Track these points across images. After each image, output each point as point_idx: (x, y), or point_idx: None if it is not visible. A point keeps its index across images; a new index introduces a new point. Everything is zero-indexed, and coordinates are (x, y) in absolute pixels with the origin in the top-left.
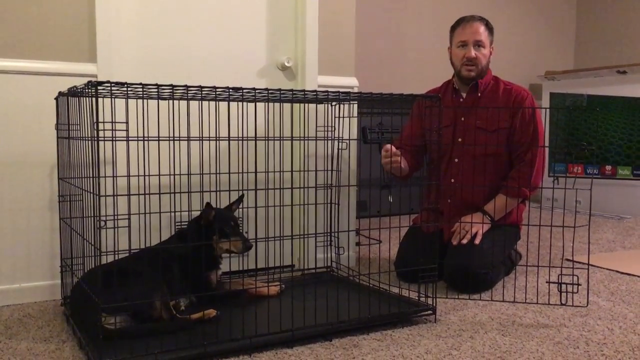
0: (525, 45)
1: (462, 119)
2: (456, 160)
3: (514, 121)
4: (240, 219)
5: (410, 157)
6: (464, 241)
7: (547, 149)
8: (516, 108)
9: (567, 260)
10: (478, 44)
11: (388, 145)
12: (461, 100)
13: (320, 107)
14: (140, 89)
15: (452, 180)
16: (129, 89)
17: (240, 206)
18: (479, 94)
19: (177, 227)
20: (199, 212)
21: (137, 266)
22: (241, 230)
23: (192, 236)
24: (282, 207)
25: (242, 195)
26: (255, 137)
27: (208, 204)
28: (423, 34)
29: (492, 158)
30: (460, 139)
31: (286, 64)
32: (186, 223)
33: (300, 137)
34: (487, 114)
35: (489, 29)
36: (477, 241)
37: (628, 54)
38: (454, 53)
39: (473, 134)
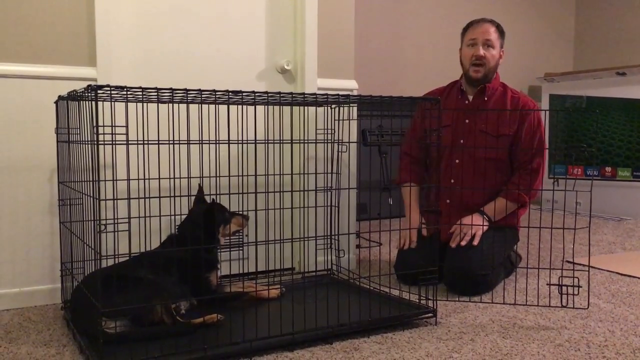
0: (524, 47)
1: (467, 121)
2: (457, 161)
3: (519, 130)
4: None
5: (420, 167)
6: (463, 243)
7: (546, 152)
8: (519, 110)
9: (568, 262)
10: (487, 44)
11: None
12: (467, 102)
13: (320, 109)
14: (140, 93)
15: (452, 181)
16: (128, 92)
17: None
18: (486, 98)
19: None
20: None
21: (137, 270)
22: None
23: (191, 238)
24: (282, 210)
25: (201, 186)
26: (255, 140)
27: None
28: (422, 36)
29: (493, 162)
30: (462, 141)
31: (286, 67)
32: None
33: (300, 140)
34: (493, 118)
35: (500, 32)
36: (475, 242)
37: (627, 55)
38: (463, 53)
39: (476, 136)
